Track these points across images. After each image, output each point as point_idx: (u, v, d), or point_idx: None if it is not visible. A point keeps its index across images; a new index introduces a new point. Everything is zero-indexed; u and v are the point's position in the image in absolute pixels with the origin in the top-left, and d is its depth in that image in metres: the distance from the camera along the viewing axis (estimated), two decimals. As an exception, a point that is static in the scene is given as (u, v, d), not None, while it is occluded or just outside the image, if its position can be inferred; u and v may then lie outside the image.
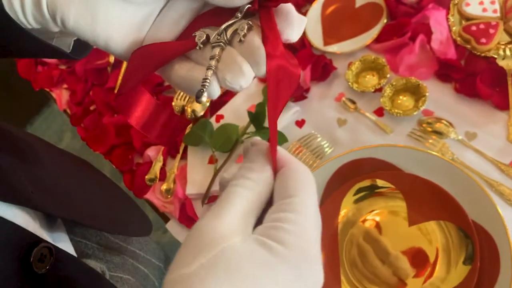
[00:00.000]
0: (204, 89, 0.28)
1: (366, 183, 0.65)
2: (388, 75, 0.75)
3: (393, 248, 0.62)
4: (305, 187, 0.29)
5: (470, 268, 0.57)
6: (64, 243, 0.50)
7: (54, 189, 0.50)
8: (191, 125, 0.84)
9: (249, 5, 0.28)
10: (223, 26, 0.29)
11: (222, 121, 0.81)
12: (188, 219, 0.75)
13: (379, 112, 0.74)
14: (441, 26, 0.76)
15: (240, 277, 0.24)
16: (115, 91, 0.95)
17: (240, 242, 0.26)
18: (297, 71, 0.31)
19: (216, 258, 0.25)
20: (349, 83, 0.77)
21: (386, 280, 0.61)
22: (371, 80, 0.77)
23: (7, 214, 0.38)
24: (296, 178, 0.29)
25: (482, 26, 0.73)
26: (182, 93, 0.88)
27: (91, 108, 0.97)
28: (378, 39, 0.80)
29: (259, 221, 0.29)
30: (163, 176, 0.82)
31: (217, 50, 0.29)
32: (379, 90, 0.75)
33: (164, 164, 0.83)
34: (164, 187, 0.80)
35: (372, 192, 0.65)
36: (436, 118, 0.71)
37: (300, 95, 0.79)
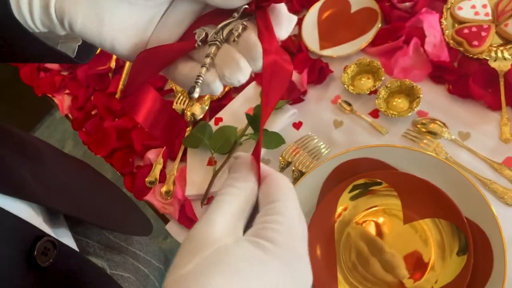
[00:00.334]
0: (196, 86, 0.30)
1: (361, 181, 0.66)
2: (383, 78, 0.76)
3: (389, 248, 0.63)
4: (286, 193, 0.31)
5: (463, 265, 0.58)
6: (67, 239, 0.52)
7: (57, 187, 0.51)
8: (190, 127, 0.85)
9: (246, 6, 0.30)
10: (220, 25, 0.31)
11: (221, 124, 0.83)
12: (187, 219, 0.76)
13: (375, 113, 0.76)
14: (435, 30, 0.77)
15: (234, 273, 0.26)
16: (117, 96, 0.97)
17: (232, 242, 0.27)
18: (290, 67, 0.32)
19: (211, 257, 0.26)
20: (345, 86, 0.78)
21: (386, 281, 0.62)
22: (366, 82, 0.79)
23: (11, 208, 0.39)
24: (277, 185, 0.31)
25: (474, 29, 0.75)
26: (182, 97, 0.89)
27: (93, 112, 0.98)
28: (373, 43, 0.81)
29: (247, 227, 0.30)
30: (163, 178, 0.84)
31: (212, 49, 0.30)
32: (374, 92, 0.77)
33: (164, 167, 0.85)
34: (164, 189, 0.82)
35: (366, 189, 0.66)
36: (430, 119, 0.72)
37: (297, 97, 0.80)
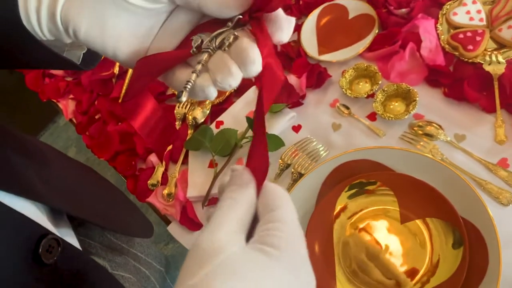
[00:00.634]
0: (184, 90, 0.31)
1: (356, 180, 0.67)
2: (380, 82, 0.78)
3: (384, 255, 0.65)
4: (284, 201, 0.32)
5: (459, 263, 0.59)
6: (70, 238, 0.53)
7: (61, 188, 0.53)
8: (192, 131, 0.87)
9: (240, 16, 0.31)
10: (214, 34, 0.32)
11: (222, 127, 0.85)
12: (189, 220, 0.78)
13: (372, 116, 0.78)
14: (430, 35, 0.79)
15: (242, 280, 0.27)
16: (120, 101, 0.98)
17: (238, 250, 0.29)
18: (282, 75, 0.34)
19: (219, 266, 0.27)
20: (343, 90, 0.80)
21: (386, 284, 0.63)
22: (364, 86, 0.81)
23: (17, 207, 0.41)
24: (275, 195, 0.33)
25: (469, 34, 0.77)
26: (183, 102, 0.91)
27: (96, 117, 1.00)
28: (370, 48, 0.83)
29: (248, 237, 0.32)
30: (165, 181, 0.85)
31: (204, 56, 0.32)
32: (371, 96, 0.78)
33: (166, 169, 0.86)
34: (166, 191, 0.83)
35: (362, 188, 0.67)
36: (426, 122, 0.74)
37: (296, 101, 0.82)
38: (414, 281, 0.62)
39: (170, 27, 0.35)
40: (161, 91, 0.95)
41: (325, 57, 0.86)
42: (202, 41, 0.32)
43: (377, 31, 0.84)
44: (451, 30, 0.80)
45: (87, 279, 0.46)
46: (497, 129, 0.69)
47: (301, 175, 0.74)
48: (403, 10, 0.84)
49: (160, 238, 1.91)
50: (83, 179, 0.66)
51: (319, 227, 0.66)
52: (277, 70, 0.33)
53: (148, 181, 0.86)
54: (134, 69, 0.34)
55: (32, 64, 0.38)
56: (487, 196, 0.65)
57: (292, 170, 0.76)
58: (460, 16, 0.80)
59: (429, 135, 0.72)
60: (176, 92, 0.94)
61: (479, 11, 0.79)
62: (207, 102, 0.89)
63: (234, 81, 0.31)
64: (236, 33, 0.31)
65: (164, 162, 0.86)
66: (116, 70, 1.03)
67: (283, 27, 0.32)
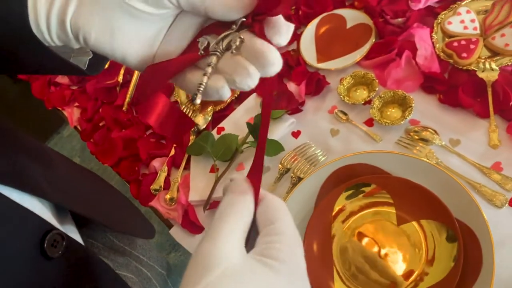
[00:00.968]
0: (198, 93, 0.33)
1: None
2: (377, 89, 0.80)
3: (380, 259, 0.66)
4: (283, 214, 0.34)
5: (453, 264, 0.61)
6: (74, 235, 0.54)
7: (65, 188, 0.54)
8: (194, 137, 0.89)
9: (243, 19, 0.33)
10: (220, 37, 0.34)
11: (223, 133, 0.87)
12: (190, 224, 0.79)
13: (369, 122, 0.80)
14: (426, 43, 0.82)
15: None
16: (124, 108, 1.01)
17: (239, 261, 0.30)
18: (275, 85, 0.36)
19: (221, 275, 0.28)
20: (341, 97, 0.82)
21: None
22: (361, 93, 0.83)
23: (24, 203, 0.42)
24: (274, 207, 0.34)
25: (463, 42, 0.79)
26: (186, 109, 0.93)
27: (101, 124, 1.03)
28: (367, 56, 0.86)
29: (246, 242, 0.33)
30: (167, 186, 0.87)
31: (213, 58, 0.34)
32: (368, 102, 0.81)
33: (168, 174, 0.88)
34: (168, 196, 0.85)
35: (358, 189, 0.69)
36: (422, 127, 0.75)
37: (295, 108, 0.84)
38: (409, 281, 0.63)
39: (176, 31, 0.36)
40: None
41: (324, 65, 0.89)
42: (208, 43, 0.34)
43: (374, 40, 0.86)
44: (446, 39, 0.82)
45: (90, 273, 0.48)
46: (491, 134, 0.71)
47: (300, 179, 0.76)
48: (399, 19, 0.87)
49: (162, 247, 1.93)
50: (87, 181, 0.68)
51: (318, 228, 0.68)
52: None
53: (151, 186, 0.87)
54: (144, 74, 0.35)
55: (40, 70, 0.40)
56: (481, 198, 0.67)
57: (292, 174, 0.78)
58: (454, 25, 0.82)
59: (424, 140, 0.74)
60: (179, 100, 0.96)
61: (473, 20, 0.82)
62: (208, 109, 0.91)
63: (252, 82, 0.32)
64: (241, 36, 0.33)
65: (166, 167, 0.88)
66: (120, 78, 1.06)
67: (281, 32, 0.33)
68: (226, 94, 0.34)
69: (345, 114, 0.82)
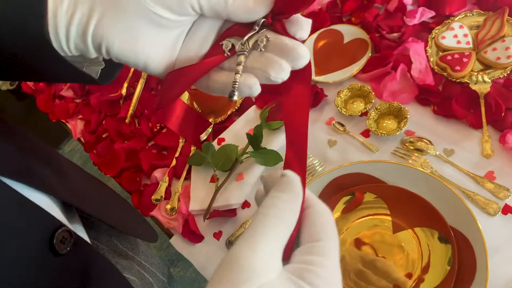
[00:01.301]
0: (235, 90, 0.35)
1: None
2: (373, 101, 0.83)
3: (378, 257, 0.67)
4: (331, 231, 0.31)
5: (448, 271, 0.62)
6: (81, 234, 0.56)
7: (73, 188, 0.56)
8: (195, 148, 0.91)
9: (264, 19, 0.35)
10: (246, 38, 0.36)
11: (223, 144, 0.89)
12: (190, 233, 0.81)
13: (366, 133, 0.82)
14: (420, 57, 0.84)
15: None
16: (126, 121, 1.03)
17: (276, 279, 0.28)
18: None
19: None
20: (338, 108, 0.84)
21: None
22: (358, 105, 0.85)
23: (34, 199, 0.43)
24: (323, 221, 0.32)
25: (456, 56, 0.82)
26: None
27: (104, 135, 1.05)
28: (364, 70, 0.88)
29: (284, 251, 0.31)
30: (168, 196, 0.89)
31: (242, 58, 0.36)
32: (365, 114, 0.83)
33: (169, 185, 0.90)
34: (169, 206, 0.87)
35: (354, 195, 0.71)
36: (417, 137, 0.77)
37: (294, 119, 0.86)
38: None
39: (196, 36, 0.37)
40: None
41: (322, 78, 0.91)
42: (232, 45, 0.36)
43: (370, 54, 0.89)
44: (440, 53, 0.85)
45: (96, 271, 0.48)
46: (484, 144, 0.73)
47: (298, 189, 0.78)
48: (395, 34, 0.89)
49: (165, 258, 1.93)
50: (94, 185, 0.69)
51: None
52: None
53: (152, 196, 0.89)
54: (165, 81, 0.37)
55: (53, 78, 0.40)
56: (475, 207, 0.68)
57: (290, 184, 0.79)
58: (448, 40, 0.85)
59: (419, 150, 0.76)
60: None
61: (465, 35, 0.84)
62: (210, 120, 0.93)
63: (286, 75, 0.34)
64: (268, 35, 0.35)
65: (167, 178, 0.90)
66: (124, 91, 1.08)
67: (303, 26, 0.35)
68: (258, 90, 0.35)
69: (342, 125, 0.84)
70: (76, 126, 1.11)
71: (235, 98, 0.34)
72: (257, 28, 0.36)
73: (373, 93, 0.83)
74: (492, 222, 0.66)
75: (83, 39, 0.34)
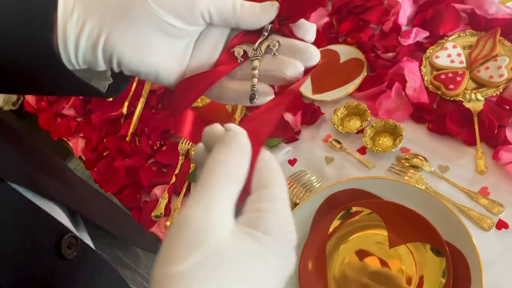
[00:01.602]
0: (255, 93, 0.37)
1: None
2: (369, 118, 0.84)
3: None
4: (278, 178, 0.31)
5: (443, 284, 0.63)
6: (88, 242, 0.56)
7: (79, 197, 0.57)
8: (194, 165, 0.92)
9: (271, 25, 0.37)
10: (257, 44, 0.38)
11: (222, 161, 0.90)
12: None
13: (362, 150, 0.83)
14: (415, 76, 0.86)
15: (237, 272, 0.26)
16: (127, 139, 1.05)
17: (230, 235, 0.27)
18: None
19: (212, 255, 0.25)
20: (335, 126, 0.86)
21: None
22: (354, 123, 0.87)
23: (43, 207, 0.44)
24: (269, 168, 0.32)
25: (450, 75, 0.84)
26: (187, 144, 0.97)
27: (104, 153, 1.06)
28: (359, 89, 0.90)
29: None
30: (168, 212, 0.90)
31: (256, 63, 0.37)
32: (361, 131, 0.84)
33: (169, 201, 0.91)
34: (168, 222, 0.88)
35: (348, 211, 0.72)
36: (412, 154, 0.79)
37: (291, 137, 0.88)
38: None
39: (206, 45, 0.38)
40: (166, 129, 1.01)
41: (319, 97, 0.93)
42: (244, 51, 0.38)
43: (366, 73, 0.91)
44: (434, 72, 0.87)
45: (101, 277, 0.49)
46: (478, 160, 0.74)
47: (296, 205, 0.79)
48: (390, 54, 0.92)
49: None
50: (98, 196, 0.70)
51: (313, 249, 0.70)
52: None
53: (152, 213, 0.90)
54: (176, 90, 0.37)
55: (59, 92, 0.42)
56: (469, 222, 0.69)
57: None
58: (442, 59, 0.87)
59: (415, 167, 0.77)
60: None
61: (459, 55, 0.87)
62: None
63: (299, 73, 0.36)
64: (279, 40, 0.37)
65: (167, 195, 0.91)
66: (124, 110, 1.10)
67: (310, 30, 0.38)
68: (272, 96, 0.37)
69: (339, 142, 0.86)
70: (78, 144, 1.12)
71: (256, 101, 0.36)
72: (265, 33, 0.38)
73: (369, 111, 0.85)
74: (486, 237, 0.67)
75: (93, 51, 0.34)
